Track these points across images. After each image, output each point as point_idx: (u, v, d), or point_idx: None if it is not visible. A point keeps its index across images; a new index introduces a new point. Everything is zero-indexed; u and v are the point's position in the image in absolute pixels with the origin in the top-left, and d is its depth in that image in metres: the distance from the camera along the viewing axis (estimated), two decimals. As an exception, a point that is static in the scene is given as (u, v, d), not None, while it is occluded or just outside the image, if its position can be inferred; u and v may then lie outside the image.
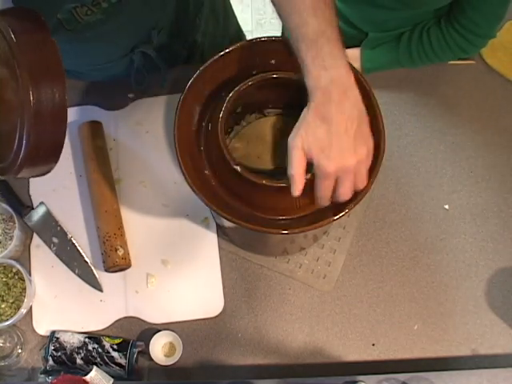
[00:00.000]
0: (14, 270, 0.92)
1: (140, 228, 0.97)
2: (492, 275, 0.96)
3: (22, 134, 0.63)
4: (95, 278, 0.95)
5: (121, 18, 0.83)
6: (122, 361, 0.87)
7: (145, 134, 1.02)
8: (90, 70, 1.01)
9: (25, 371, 0.91)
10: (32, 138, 0.63)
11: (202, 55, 1.11)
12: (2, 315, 0.89)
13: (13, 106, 0.64)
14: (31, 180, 1.00)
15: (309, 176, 0.70)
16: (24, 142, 0.64)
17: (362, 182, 0.65)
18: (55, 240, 0.96)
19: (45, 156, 0.69)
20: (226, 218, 0.71)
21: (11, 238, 0.94)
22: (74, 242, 0.96)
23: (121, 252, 0.92)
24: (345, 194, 0.64)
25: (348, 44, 1.11)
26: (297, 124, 0.64)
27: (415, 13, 0.99)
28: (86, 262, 0.95)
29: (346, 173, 0.62)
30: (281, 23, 1.12)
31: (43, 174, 0.74)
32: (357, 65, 0.99)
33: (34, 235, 0.97)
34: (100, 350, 0.88)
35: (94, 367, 0.78)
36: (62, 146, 0.68)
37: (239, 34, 1.30)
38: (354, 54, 1.03)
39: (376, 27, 1.04)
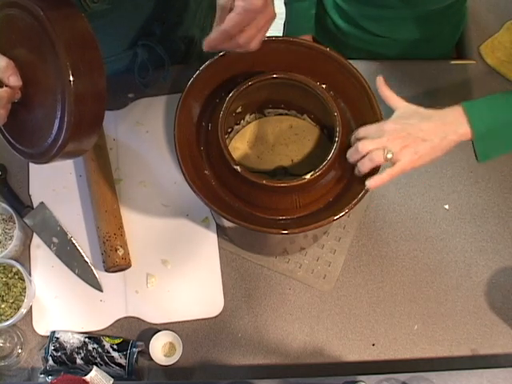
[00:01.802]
0: (14, 270, 0.92)
1: (140, 228, 0.97)
2: (492, 275, 0.96)
3: (62, 114, 0.62)
4: (95, 277, 0.95)
5: (127, 6, 0.83)
6: (122, 361, 0.87)
7: (145, 134, 1.02)
8: None
9: (25, 371, 0.91)
10: (73, 118, 0.62)
11: (201, 53, 1.11)
12: (2, 315, 0.89)
13: (48, 89, 0.63)
14: (31, 180, 1.00)
15: (309, 176, 0.70)
16: (65, 123, 0.62)
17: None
18: (55, 240, 0.96)
19: (86, 134, 0.67)
20: (225, 218, 0.71)
21: (11, 238, 0.94)
22: (74, 242, 0.96)
23: (121, 252, 0.92)
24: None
25: (350, 44, 1.11)
26: None
27: (416, 12, 0.99)
28: (86, 262, 0.95)
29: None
30: (281, 23, 1.11)
31: (79, 155, 0.72)
32: (463, 130, 0.71)
33: (34, 235, 0.97)
34: (100, 349, 0.88)
35: (94, 367, 0.78)
36: (101, 122, 0.67)
37: None
38: (457, 114, 0.72)
39: (378, 26, 1.04)
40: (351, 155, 0.72)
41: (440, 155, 0.72)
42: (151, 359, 0.89)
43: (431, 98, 1.06)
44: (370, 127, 0.72)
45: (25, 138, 0.69)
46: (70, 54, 0.61)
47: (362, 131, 0.72)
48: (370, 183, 0.70)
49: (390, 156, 0.69)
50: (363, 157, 0.71)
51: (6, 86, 0.63)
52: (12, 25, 0.65)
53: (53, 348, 0.88)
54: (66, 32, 0.62)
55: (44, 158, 0.67)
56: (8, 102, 0.64)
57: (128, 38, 0.94)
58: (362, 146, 0.70)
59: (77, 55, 0.62)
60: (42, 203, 0.98)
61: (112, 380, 0.80)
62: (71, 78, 0.61)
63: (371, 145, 0.70)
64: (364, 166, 0.71)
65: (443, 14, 1.01)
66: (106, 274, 0.94)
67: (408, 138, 0.70)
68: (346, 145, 0.75)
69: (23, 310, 0.90)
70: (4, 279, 0.91)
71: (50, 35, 0.61)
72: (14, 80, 0.63)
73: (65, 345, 0.88)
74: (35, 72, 0.65)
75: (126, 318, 0.93)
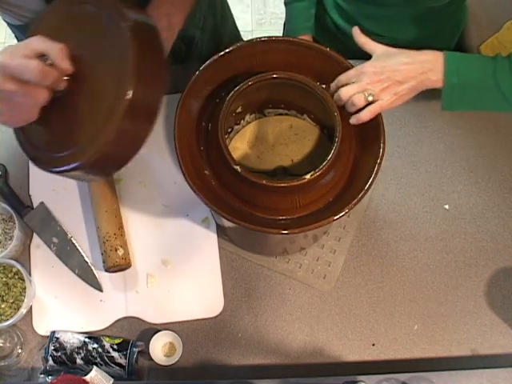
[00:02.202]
0: (14, 270, 0.92)
1: (140, 228, 0.97)
2: (492, 275, 0.96)
3: (101, 128, 0.60)
4: (95, 277, 0.95)
5: None
6: (122, 361, 0.87)
7: (145, 134, 1.02)
8: None
9: (25, 371, 0.91)
10: (112, 137, 0.60)
11: (201, 53, 1.11)
12: (2, 315, 0.89)
13: (96, 95, 0.61)
14: (31, 180, 1.00)
15: (309, 176, 0.70)
16: (100, 138, 0.60)
17: None
18: (55, 240, 0.96)
19: (116, 158, 0.66)
20: (225, 218, 0.71)
21: (11, 238, 0.94)
22: (74, 242, 0.96)
23: (121, 252, 0.92)
24: None
25: (349, 44, 1.11)
26: None
27: (416, 10, 0.99)
28: (86, 262, 0.95)
29: None
30: (281, 23, 1.11)
31: (92, 180, 0.70)
32: (436, 77, 0.74)
33: (34, 235, 0.97)
34: (100, 349, 0.88)
35: (94, 367, 0.78)
36: (142, 144, 0.66)
37: (235, 32, 1.30)
38: (436, 60, 0.75)
39: (378, 26, 1.04)
40: (336, 102, 0.75)
41: (413, 95, 0.77)
42: (151, 359, 0.89)
43: (431, 97, 1.06)
44: (350, 72, 0.75)
45: (43, 138, 0.66)
46: (137, 77, 0.60)
47: (343, 77, 0.76)
48: (352, 120, 0.75)
49: (370, 98, 0.73)
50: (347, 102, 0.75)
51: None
52: (82, 19, 0.64)
53: (53, 348, 0.88)
54: (143, 49, 0.61)
55: (52, 166, 0.64)
56: (52, 82, 0.59)
57: None
58: (344, 93, 0.74)
59: (145, 71, 0.61)
60: (41, 203, 0.98)
61: (112, 380, 0.80)
62: (129, 96, 0.59)
63: (352, 90, 0.74)
64: (349, 110, 0.75)
65: (442, 12, 1.01)
66: (106, 274, 0.94)
67: (387, 81, 0.74)
68: (346, 145, 0.75)
69: (23, 310, 0.90)
70: (4, 279, 0.91)
71: (127, 48, 0.59)
72: (66, 63, 0.59)
73: (65, 345, 0.88)
74: (89, 72, 0.62)
75: (126, 318, 0.93)
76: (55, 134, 0.65)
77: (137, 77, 0.60)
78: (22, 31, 0.89)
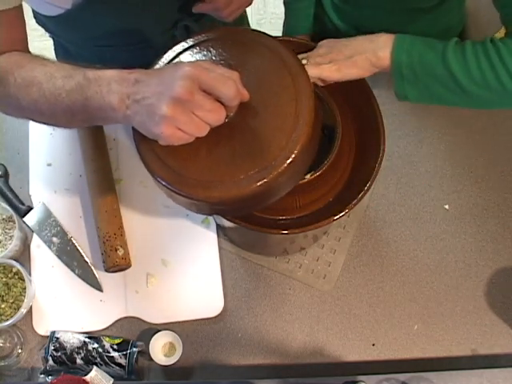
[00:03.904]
0: (14, 270, 0.92)
1: (140, 228, 0.97)
2: (492, 275, 0.96)
3: (263, 173, 0.59)
4: (95, 277, 0.95)
5: None
6: (122, 361, 0.87)
7: (145, 134, 1.02)
8: (121, 50, 0.95)
9: (25, 371, 0.91)
10: (267, 186, 0.59)
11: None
12: (2, 315, 0.89)
13: (265, 136, 0.61)
14: (31, 180, 1.00)
15: (309, 176, 0.70)
16: (259, 185, 0.59)
17: None
18: (55, 240, 0.96)
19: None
20: (225, 218, 0.71)
21: (11, 238, 0.94)
22: (74, 242, 0.96)
23: (121, 252, 0.92)
24: None
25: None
26: None
27: (412, 12, 0.99)
28: (86, 262, 0.95)
29: None
30: (281, 23, 1.11)
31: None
32: (383, 54, 0.72)
33: (34, 235, 0.97)
34: (100, 349, 0.88)
35: (94, 367, 0.78)
36: (274, 199, 0.66)
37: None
38: (386, 39, 0.74)
39: (376, 26, 1.04)
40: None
41: (359, 72, 0.75)
42: (151, 359, 0.89)
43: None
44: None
45: (180, 159, 0.61)
46: (313, 125, 0.60)
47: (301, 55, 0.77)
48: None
49: (304, 62, 0.75)
50: None
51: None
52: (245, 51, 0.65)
53: (53, 348, 0.88)
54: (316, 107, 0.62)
55: (180, 189, 0.61)
56: (233, 106, 0.59)
57: (167, 19, 0.90)
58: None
59: (314, 126, 0.61)
60: (41, 203, 0.98)
61: (112, 380, 0.80)
62: (295, 155, 0.59)
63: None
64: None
65: (439, 12, 1.01)
66: (106, 274, 0.94)
67: (332, 54, 0.75)
68: (346, 145, 0.75)
69: (23, 310, 0.90)
70: (4, 279, 0.91)
71: (307, 98, 0.61)
72: (245, 91, 0.59)
73: (65, 345, 0.88)
74: (252, 108, 0.61)
75: (126, 318, 0.93)
76: (196, 160, 0.61)
77: (310, 130, 0.60)
78: (57, 22, 0.86)
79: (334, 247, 0.97)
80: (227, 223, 0.86)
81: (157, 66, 0.66)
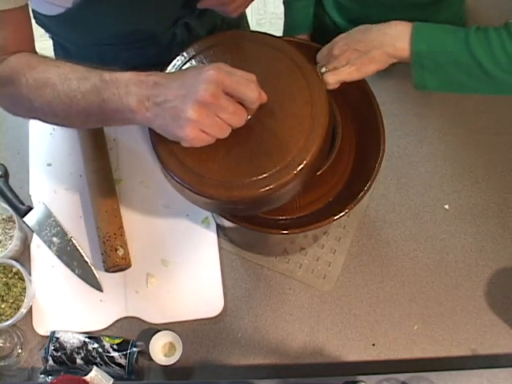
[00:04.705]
0: (14, 270, 0.92)
1: (140, 228, 0.97)
2: (492, 275, 0.96)
3: (280, 174, 0.60)
4: (95, 277, 0.95)
5: None
6: (122, 361, 0.87)
7: (145, 134, 1.02)
8: (122, 49, 0.96)
9: (25, 371, 0.91)
10: (281, 187, 0.61)
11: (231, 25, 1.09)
12: (2, 315, 0.89)
13: (282, 138, 0.62)
14: (31, 180, 1.00)
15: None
16: (275, 184, 0.60)
17: None
18: (55, 240, 0.96)
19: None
20: (226, 218, 0.71)
21: (11, 238, 0.94)
22: (74, 241, 0.96)
23: (121, 252, 0.92)
24: None
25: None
26: None
27: (415, 10, 0.99)
28: (86, 262, 0.95)
29: None
30: (281, 23, 1.11)
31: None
32: (402, 44, 0.70)
33: (34, 235, 0.97)
34: (100, 349, 0.88)
35: (94, 367, 0.78)
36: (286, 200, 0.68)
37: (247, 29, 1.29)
38: (403, 29, 0.72)
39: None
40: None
41: (378, 67, 0.74)
42: (151, 359, 0.89)
43: (431, 98, 1.06)
44: (322, 52, 0.77)
45: (197, 160, 0.62)
46: (327, 129, 0.62)
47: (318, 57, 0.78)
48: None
49: (323, 70, 0.75)
50: None
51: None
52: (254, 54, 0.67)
53: (53, 348, 0.88)
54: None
55: (199, 190, 0.62)
56: (252, 109, 0.60)
57: (168, 17, 0.90)
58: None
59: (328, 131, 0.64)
60: (42, 203, 0.98)
61: (112, 380, 0.80)
62: (310, 157, 0.61)
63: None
64: None
65: (440, 6, 1.01)
66: (106, 274, 0.94)
67: (347, 54, 0.74)
68: (346, 145, 0.75)
69: (23, 310, 0.90)
70: (4, 279, 0.91)
71: (322, 102, 0.63)
72: (263, 94, 0.60)
73: (65, 345, 0.88)
74: (267, 109, 0.62)
75: (126, 318, 0.93)
76: (215, 160, 0.62)
77: (325, 132, 0.62)
78: (58, 22, 0.85)
79: (334, 247, 0.97)
80: (227, 223, 0.86)
81: (170, 70, 0.67)
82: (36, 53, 0.72)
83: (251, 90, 0.58)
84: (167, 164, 0.63)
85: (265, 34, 0.69)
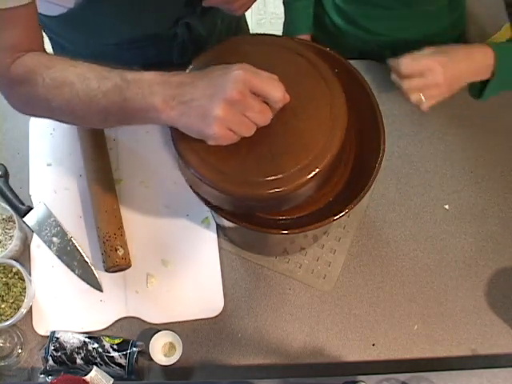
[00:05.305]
0: (14, 270, 0.92)
1: (140, 228, 0.97)
2: (492, 275, 0.96)
3: (300, 173, 0.62)
4: (95, 277, 0.95)
5: None
6: (122, 361, 0.87)
7: (145, 134, 1.02)
8: (122, 49, 0.96)
9: (25, 371, 0.91)
10: (304, 185, 0.63)
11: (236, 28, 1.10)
12: (2, 315, 0.89)
13: (306, 139, 0.64)
14: (31, 180, 1.00)
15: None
16: (296, 182, 0.62)
17: None
18: (55, 240, 0.96)
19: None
20: (225, 218, 0.71)
21: (11, 238, 0.94)
22: (74, 241, 0.96)
23: (121, 252, 0.92)
24: None
25: (349, 43, 1.11)
26: None
27: (414, 11, 0.99)
28: (86, 262, 0.95)
29: None
30: (281, 23, 1.11)
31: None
32: (487, 74, 0.81)
33: (34, 235, 0.97)
34: (100, 349, 0.88)
35: (94, 367, 0.78)
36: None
37: (246, 28, 1.29)
38: (486, 56, 0.81)
39: (377, 26, 1.04)
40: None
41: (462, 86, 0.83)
42: (151, 359, 0.89)
43: (431, 97, 1.06)
44: (414, 65, 0.80)
45: (220, 158, 0.63)
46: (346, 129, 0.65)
47: (407, 68, 0.81)
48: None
49: (424, 100, 0.81)
50: None
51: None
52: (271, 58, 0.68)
53: (53, 348, 0.88)
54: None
55: (219, 187, 0.63)
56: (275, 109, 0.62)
57: (169, 17, 0.90)
58: (408, 86, 0.81)
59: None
60: (42, 203, 0.98)
61: (112, 380, 0.80)
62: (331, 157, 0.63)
63: (416, 86, 0.81)
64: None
65: (441, 12, 1.01)
66: (106, 273, 0.94)
67: (445, 84, 0.80)
68: (346, 145, 0.75)
69: (23, 310, 0.90)
70: (4, 279, 0.91)
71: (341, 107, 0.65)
72: (286, 94, 0.61)
73: (65, 345, 0.88)
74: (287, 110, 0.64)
75: (126, 318, 0.93)
76: (237, 158, 0.64)
77: (343, 133, 0.64)
78: (59, 22, 0.86)
79: (334, 247, 0.97)
80: (227, 223, 0.86)
81: (190, 71, 0.68)
82: (46, 51, 0.71)
83: (277, 90, 0.59)
84: (189, 161, 0.63)
85: (278, 36, 0.71)
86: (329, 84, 0.66)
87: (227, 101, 0.57)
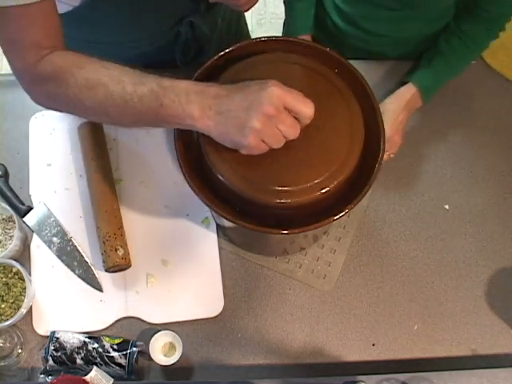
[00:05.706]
0: (14, 270, 0.92)
1: (140, 228, 0.97)
2: (492, 275, 0.96)
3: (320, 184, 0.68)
4: (95, 277, 0.95)
5: None
6: (122, 361, 0.87)
7: (145, 134, 1.02)
8: (125, 48, 0.96)
9: (25, 371, 0.91)
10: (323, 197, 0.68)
11: (218, 46, 1.10)
12: (2, 315, 0.89)
13: (327, 151, 0.69)
14: (31, 180, 1.00)
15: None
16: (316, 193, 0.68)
17: None
18: (55, 240, 0.96)
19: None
20: (225, 218, 0.71)
21: (11, 238, 0.94)
22: (74, 241, 0.96)
23: (121, 252, 0.92)
24: None
25: (349, 44, 1.11)
26: None
27: (415, 12, 0.99)
28: (86, 262, 0.95)
29: None
30: (281, 23, 1.11)
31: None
32: (418, 106, 1.02)
33: (34, 235, 0.97)
34: (100, 349, 0.88)
35: (94, 367, 0.78)
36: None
37: (246, 28, 1.29)
38: (415, 100, 1.01)
39: (377, 26, 1.04)
40: None
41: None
42: (151, 359, 0.89)
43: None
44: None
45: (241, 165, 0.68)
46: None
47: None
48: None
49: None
50: None
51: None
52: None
53: (53, 348, 0.88)
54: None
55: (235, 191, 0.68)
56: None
57: (172, 16, 0.91)
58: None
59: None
60: (42, 203, 0.98)
61: (112, 380, 0.80)
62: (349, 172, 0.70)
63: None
64: None
65: (442, 13, 1.01)
66: (106, 273, 0.94)
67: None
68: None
69: (23, 310, 0.90)
70: (4, 279, 0.91)
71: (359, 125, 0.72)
72: (313, 111, 0.65)
73: (65, 345, 0.88)
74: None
75: (126, 318, 0.93)
76: (264, 168, 0.68)
77: (361, 148, 0.70)
78: (64, 20, 0.86)
79: (334, 247, 0.97)
80: (227, 223, 0.87)
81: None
82: (65, 48, 0.72)
83: (308, 107, 0.64)
84: (220, 170, 0.68)
85: (298, 52, 0.76)
86: (345, 99, 0.72)
87: (264, 114, 0.61)
